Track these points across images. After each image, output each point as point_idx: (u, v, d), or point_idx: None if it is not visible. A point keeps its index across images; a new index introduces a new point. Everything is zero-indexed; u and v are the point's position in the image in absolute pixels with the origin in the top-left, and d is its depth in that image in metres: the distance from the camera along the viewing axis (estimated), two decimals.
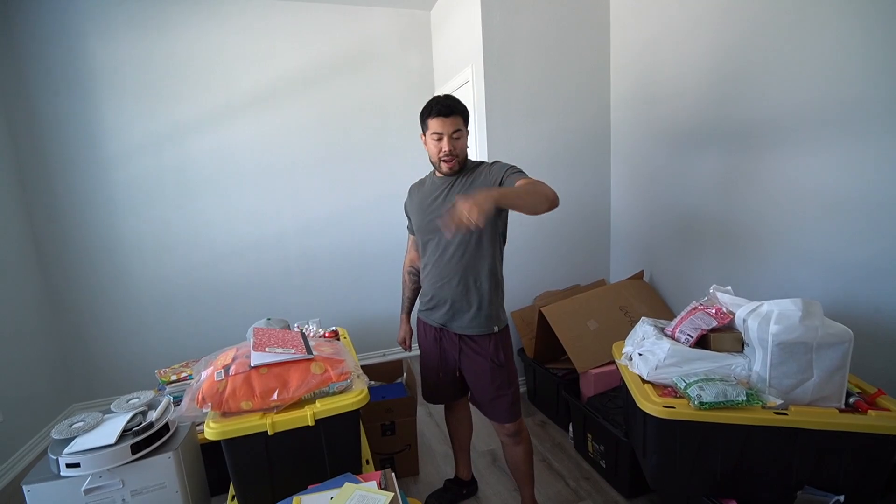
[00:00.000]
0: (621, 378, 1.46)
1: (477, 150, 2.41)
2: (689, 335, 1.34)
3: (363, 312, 3.12)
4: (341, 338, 1.78)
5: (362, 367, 2.08)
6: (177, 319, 2.76)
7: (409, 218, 1.60)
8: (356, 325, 3.06)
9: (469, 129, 1.43)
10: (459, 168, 1.41)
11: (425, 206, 1.47)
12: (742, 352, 1.32)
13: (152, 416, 1.16)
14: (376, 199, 3.04)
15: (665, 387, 1.28)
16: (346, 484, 1.05)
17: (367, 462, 1.42)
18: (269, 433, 1.12)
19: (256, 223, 2.84)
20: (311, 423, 1.14)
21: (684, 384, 1.21)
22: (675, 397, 1.23)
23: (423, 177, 1.58)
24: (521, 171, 1.33)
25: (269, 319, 1.85)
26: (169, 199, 2.67)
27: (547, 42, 2.36)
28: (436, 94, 1.40)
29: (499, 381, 1.45)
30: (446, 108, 1.34)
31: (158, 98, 2.57)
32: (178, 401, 1.50)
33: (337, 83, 2.87)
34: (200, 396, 1.10)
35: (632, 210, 2.51)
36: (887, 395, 1.21)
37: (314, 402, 1.18)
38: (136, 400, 1.25)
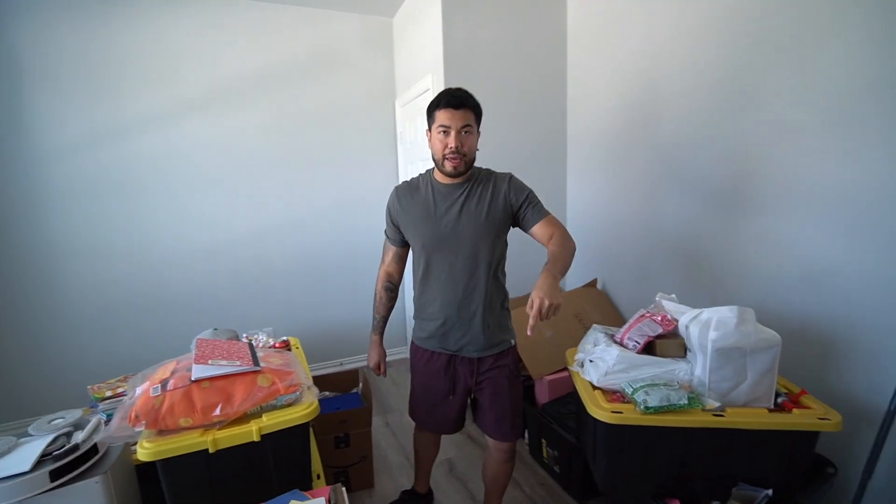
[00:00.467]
0: (574, 384, 1.49)
1: None
2: (636, 342, 1.40)
3: (320, 320, 3.03)
4: (293, 348, 1.72)
5: (318, 377, 2.03)
6: (115, 331, 2.56)
7: (393, 225, 1.42)
8: (313, 333, 2.97)
9: (480, 130, 1.31)
10: (465, 170, 1.28)
11: (435, 215, 1.31)
12: (685, 357, 1.38)
13: (78, 437, 1.06)
14: (334, 204, 2.97)
15: (614, 392, 1.33)
16: (292, 502, 1.00)
17: (319, 477, 1.37)
18: (211, 451, 1.05)
19: (207, 227, 2.70)
20: (256, 438, 1.09)
21: (631, 389, 1.26)
22: (624, 402, 1.27)
23: (409, 179, 1.43)
24: (539, 202, 1.33)
25: (215, 330, 1.76)
26: (108, 201, 2.49)
27: (506, 54, 2.41)
28: (447, 87, 1.28)
29: (517, 393, 1.42)
30: (456, 100, 1.22)
31: (99, 93, 2.40)
32: (111, 419, 1.39)
33: (296, 86, 2.80)
34: (133, 414, 1.02)
35: (586, 220, 2.60)
36: (809, 395, 1.31)
37: (261, 417, 1.13)
38: (60, 420, 1.14)
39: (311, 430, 1.44)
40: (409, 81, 2.76)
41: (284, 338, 1.78)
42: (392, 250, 1.47)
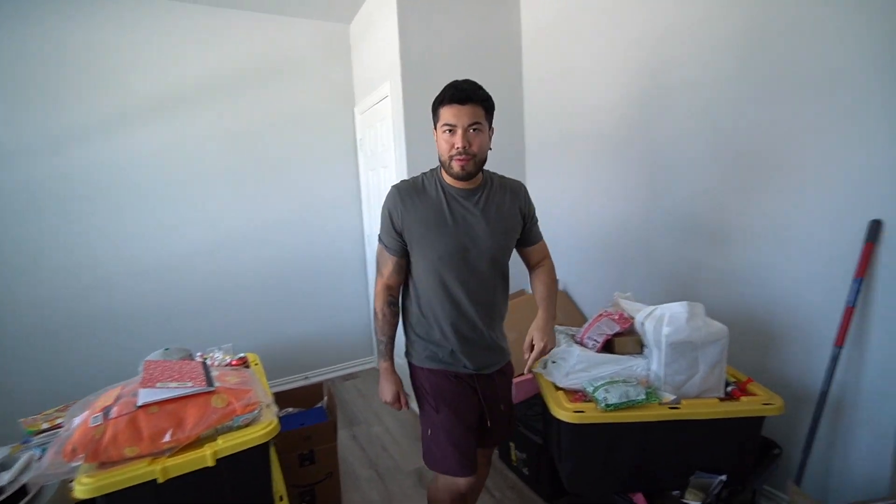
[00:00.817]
0: (538, 386, 1.51)
1: (397, 165, 2.40)
2: (595, 340, 1.44)
3: (283, 333, 2.93)
4: (251, 364, 1.65)
5: (281, 392, 1.96)
6: (55, 356, 2.36)
7: (395, 232, 1.20)
8: (276, 347, 2.87)
9: (493, 126, 1.18)
10: (475, 171, 1.16)
11: (451, 222, 1.17)
12: (642, 353, 1.44)
13: (4, 478, 0.97)
14: (294, 213, 2.89)
15: (576, 392, 1.35)
16: None
17: (281, 499, 1.32)
18: (160, 480, 0.99)
19: (157, 241, 2.55)
20: (211, 463, 1.03)
21: (592, 388, 1.29)
22: (586, 401, 1.30)
23: (410, 178, 1.26)
24: (538, 222, 1.34)
25: (166, 349, 1.66)
26: (45, 214, 2.30)
27: (463, 60, 2.43)
28: (454, 80, 1.16)
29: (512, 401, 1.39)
30: (462, 94, 1.09)
31: (36, 98, 2.22)
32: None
33: (252, 93, 2.71)
34: (70, 447, 0.94)
35: (546, 223, 2.65)
36: (755, 382, 1.39)
37: (216, 440, 1.07)
38: None
39: (272, 449, 1.38)
40: (367, 88, 2.73)
41: (242, 354, 1.70)
42: (392, 260, 1.23)
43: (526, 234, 1.29)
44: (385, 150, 2.56)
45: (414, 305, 1.26)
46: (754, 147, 1.57)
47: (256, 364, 1.66)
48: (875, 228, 1.30)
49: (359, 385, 2.95)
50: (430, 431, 1.24)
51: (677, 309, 1.34)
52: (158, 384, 1.10)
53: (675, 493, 1.32)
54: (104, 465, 0.97)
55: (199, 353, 1.70)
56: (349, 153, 3.02)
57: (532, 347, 1.19)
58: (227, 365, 1.60)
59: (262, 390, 1.25)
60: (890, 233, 1.29)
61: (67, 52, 2.28)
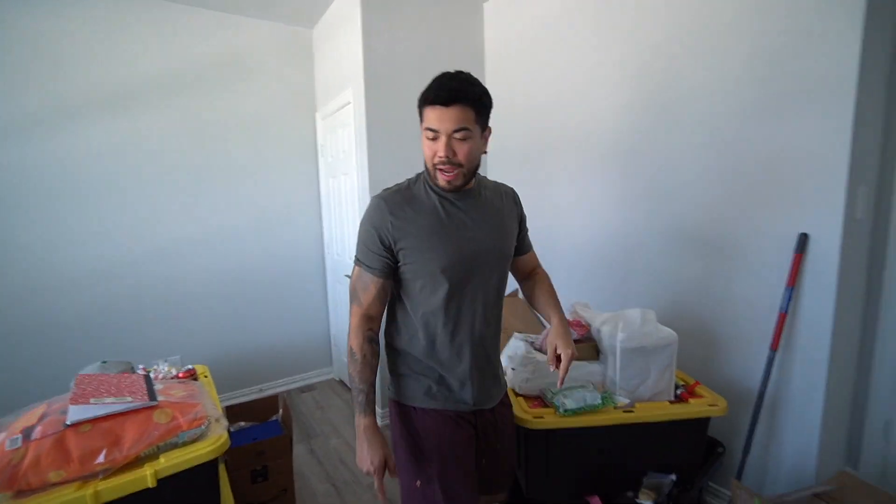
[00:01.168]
0: None
1: (358, 172, 2.37)
2: None
3: (237, 344, 2.79)
4: (200, 377, 1.55)
5: (234, 405, 1.86)
6: None
7: (383, 248, 1.01)
8: (229, 358, 2.73)
9: (489, 126, 1.02)
10: (463, 183, 1.00)
11: (451, 229, 1.01)
12: (598, 359, 1.48)
13: None
14: (250, 220, 2.78)
15: (535, 398, 1.38)
16: None
17: None
18: None
19: (101, 244, 2.36)
20: (151, 484, 0.96)
21: (551, 394, 1.31)
22: (545, 407, 1.32)
23: (395, 186, 1.08)
24: (527, 231, 1.25)
25: (104, 363, 1.54)
26: None
27: (425, 69, 2.41)
28: (444, 71, 0.98)
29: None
30: (447, 94, 0.92)
31: None
32: None
33: (210, 93, 2.59)
34: None
35: None
36: (702, 385, 1.47)
37: (158, 458, 1.00)
38: None
39: (221, 466, 1.31)
40: (329, 94, 2.69)
41: (190, 366, 1.60)
42: (375, 284, 1.02)
43: (520, 241, 1.20)
44: (347, 156, 2.52)
45: (402, 334, 1.08)
46: (726, 160, 1.61)
47: (206, 376, 1.57)
48: (803, 241, 1.41)
49: (317, 397, 2.86)
50: (419, 483, 1.04)
51: (631, 315, 1.40)
52: (92, 399, 1.01)
53: (630, 493, 1.36)
54: (22, 493, 0.88)
55: (141, 366, 1.59)
56: (309, 159, 2.95)
57: (557, 358, 1.05)
58: (173, 378, 1.50)
59: (212, 403, 1.18)
60: (814, 245, 1.40)
61: (11, 37, 2.09)
